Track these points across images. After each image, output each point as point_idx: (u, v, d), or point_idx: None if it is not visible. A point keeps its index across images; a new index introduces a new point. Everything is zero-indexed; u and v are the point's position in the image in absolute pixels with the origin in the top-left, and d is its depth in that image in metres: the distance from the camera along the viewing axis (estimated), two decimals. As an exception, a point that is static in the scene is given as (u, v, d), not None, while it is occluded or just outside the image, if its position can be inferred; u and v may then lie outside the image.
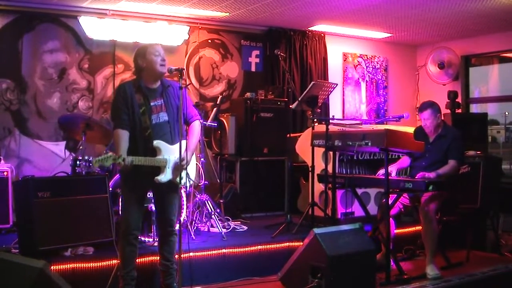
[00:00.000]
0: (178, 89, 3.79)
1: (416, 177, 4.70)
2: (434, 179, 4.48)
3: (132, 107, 3.74)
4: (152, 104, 3.79)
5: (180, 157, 3.59)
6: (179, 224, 3.86)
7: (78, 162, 5.04)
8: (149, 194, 4.16)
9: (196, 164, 4.22)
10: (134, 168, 3.70)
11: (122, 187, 4.06)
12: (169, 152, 3.75)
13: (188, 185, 3.96)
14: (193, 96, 6.84)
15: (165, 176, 3.75)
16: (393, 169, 4.88)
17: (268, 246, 4.84)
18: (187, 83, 6.38)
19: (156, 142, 3.73)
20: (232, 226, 5.39)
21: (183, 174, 3.78)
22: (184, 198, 4.84)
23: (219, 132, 6.23)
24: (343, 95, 8.08)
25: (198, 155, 5.19)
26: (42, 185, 4.20)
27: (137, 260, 3.90)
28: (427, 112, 4.85)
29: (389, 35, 7.83)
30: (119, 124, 3.72)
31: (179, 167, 3.68)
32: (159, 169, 3.75)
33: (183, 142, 3.82)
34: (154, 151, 3.74)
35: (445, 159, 4.80)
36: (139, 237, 4.01)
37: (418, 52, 8.71)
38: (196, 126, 4.01)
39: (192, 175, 4.00)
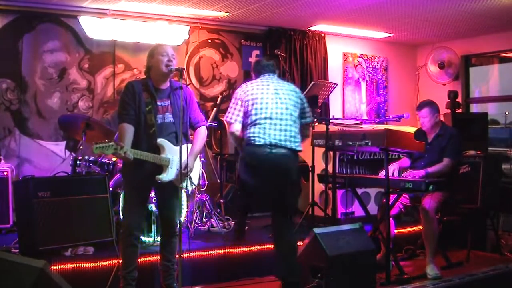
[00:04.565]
0: (186, 92, 3.83)
1: (403, 175, 4.71)
2: (426, 178, 4.48)
3: (139, 104, 3.74)
4: (159, 104, 3.79)
5: (181, 161, 3.55)
6: (179, 224, 3.85)
7: (78, 162, 5.05)
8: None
9: (200, 169, 4.22)
10: (136, 167, 3.70)
11: (124, 187, 4.05)
12: (173, 152, 3.74)
13: (190, 189, 3.95)
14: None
15: (167, 176, 3.74)
16: (395, 167, 4.89)
17: (268, 246, 4.83)
18: (187, 83, 6.38)
19: (160, 140, 3.73)
20: (232, 226, 5.39)
21: (186, 178, 3.79)
22: (185, 198, 4.84)
23: (219, 132, 6.22)
24: (343, 95, 8.08)
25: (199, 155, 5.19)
26: (42, 185, 4.20)
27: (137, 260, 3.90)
28: (424, 111, 4.86)
29: (389, 35, 7.83)
30: (125, 118, 3.71)
31: (184, 172, 3.68)
32: (161, 168, 3.75)
33: (187, 146, 3.82)
34: (158, 149, 3.74)
35: (442, 158, 4.80)
36: (140, 237, 4.01)
37: (418, 52, 8.71)
38: (202, 132, 3.99)
39: (195, 179, 4.00)
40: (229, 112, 4.11)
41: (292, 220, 4.12)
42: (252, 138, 3.95)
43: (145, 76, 3.91)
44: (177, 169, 3.71)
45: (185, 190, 3.98)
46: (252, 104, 4.01)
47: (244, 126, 4.04)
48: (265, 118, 3.97)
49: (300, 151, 4.06)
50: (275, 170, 3.93)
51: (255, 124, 3.98)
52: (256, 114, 3.98)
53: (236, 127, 4.04)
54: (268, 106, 3.99)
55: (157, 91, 3.81)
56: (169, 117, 3.81)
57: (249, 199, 4.69)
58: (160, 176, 3.72)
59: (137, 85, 3.81)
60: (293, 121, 4.04)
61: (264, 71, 4.22)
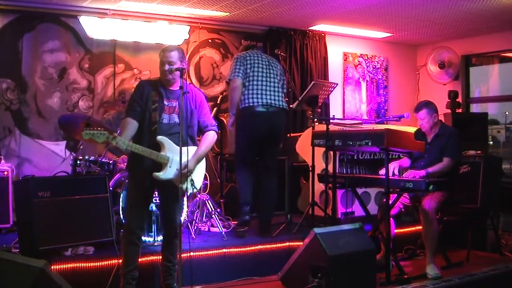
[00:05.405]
0: (197, 95, 3.91)
1: (404, 176, 4.71)
2: (427, 178, 4.48)
3: (146, 102, 3.77)
4: (166, 103, 3.81)
5: (181, 162, 3.54)
6: (179, 224, 3.85)
7: (78, 162, 5.04)
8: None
9: (205, 174, 4.17)
10: (137, 164, 3.73)
11: (128, 185, 4.08)
12: (174, 152, 3.72)
13: (190, 191, 3.86)
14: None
15: (164, 174, 3.71)
16: (395, 165, 4.88)
17: (268, 246, 4.84)
18: (188, 82, 6.37)
19: (160, 138, 3.72)
20: (232, 226, 5.39)
21: (188, 180, 3.76)
22: (185, 198, 4.83)
23: (220, 131, 6.19)
24: (344, 94, 8.08)
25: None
26: (42, 185, 4.19)
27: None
28: (422, 112, 4.87)
29: (389, 35, 7.83)
30: (130, 114, 3.77)
31: (182, 171, 3.65)
32: (161, 166, 3.74)
33: (191, 148, 3.79)
34: (158, 146, 3.73)
35: (442, 158, 4.80)
36: (141, 236, 4.01)
37: (419, 52, 8.71)
38: (209, 136, 3.98)
39: (198, 183, 3.92)
40: (231, 72, 4.92)
41: (274, 171, 5.11)
42: (251, 100, 4.86)
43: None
44: (177, 169, 3.71)
45: (185, 192, 3.95)
46: (250, 67, 4.90)
47: (244, 86, 4.88)
48: (262, 80, 4.90)
49: (286, 109, 5.13)
50: (269, 123, 4.91)
51: (253, 85, 4.87)
52: (253, 76, 4.88)
53: (239, 82, 4.87)
54: (264, 72, 4.94)
55: (166, 91, 3.84)
56: (174, 118, 3.82)
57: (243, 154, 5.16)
58: (157, 174, 3.70)
59: (147, 84, 3.89)
60: (280, 86, 5.05)
61: (253, 48, 5.21)
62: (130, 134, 3.70)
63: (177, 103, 3.82)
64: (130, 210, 3.91)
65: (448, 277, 4.61)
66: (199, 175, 3.96)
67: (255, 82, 4.89)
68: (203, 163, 4.00)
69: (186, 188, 3.79)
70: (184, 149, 3.57)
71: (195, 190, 3.91)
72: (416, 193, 4.74)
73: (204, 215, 5.31)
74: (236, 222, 5.23)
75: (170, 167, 3.73)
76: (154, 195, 4.22)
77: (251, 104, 4.88)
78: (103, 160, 5.11)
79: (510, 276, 4.93)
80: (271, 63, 5.08)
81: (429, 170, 4.66)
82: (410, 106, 8.18)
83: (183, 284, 3.71)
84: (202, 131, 4.00)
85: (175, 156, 3.71)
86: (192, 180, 3.80)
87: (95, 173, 4.89)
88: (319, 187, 5.42)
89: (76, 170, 5.05)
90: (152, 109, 3.76)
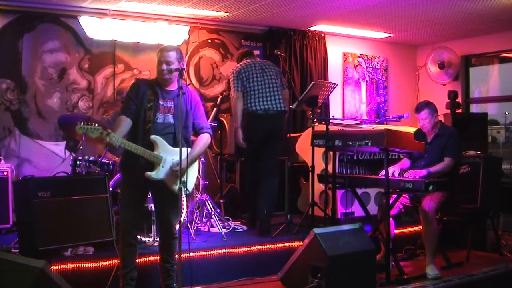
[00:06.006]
0: (193, 96, 3.89)
1: (405, 175, 4.71)
2: (428, 178, 4.48)
3: (141, 100, 3.76)
4: (161, 103, 3.79)
5: (180, 163, 3.52)
6: (179, 224, 3.84)
7: (78, 162, 5.04)
8: (149, 194, 4.14)
9: (198, 176, 4.12)
10: (131, 162, 3.72)
11: (122, 184, 4.05)
12: (167, 152, 3.71)
13: (183, 194, 3.74)
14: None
15: (156, 174, 3.68)
16: (395, 169, 4.88)
17: (268, 246, 4.84)
18: (187, 83, 6.37)
19: (154, 137, 3.70)
20: (232, 226, 5.39)
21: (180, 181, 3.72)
22: (184, 198, 4.83)
23: (219, 132, 6.21)
24: (343, 95, 8.08)
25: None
26: (42, 185, 4.19)
27: (137, 260, 3.89)
28: (424, 112, 4.86)
29: (389, 35, 7.83)
30: (125, 112, 3.76)
31: (175, 172, 3.63)
32: (153, 166, 3.73)
33: (184, 149, 3.77)
34: (151, 146, 3.71)
35: (443, 158, 4.80)
36: (138, 236, 4.00)
37: (418, 52, 8.71)
38: (204, 138, 3.95)
39: (190, 185, 3.87)
40: (232, 88, 5.28)
41: (274, 171, 5.31)
42: (251, 106, 5.22)
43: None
44: (169, 169, 3.70)
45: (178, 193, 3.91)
46: (246, 79, 5.25)
47: (244, 97, 5.25)
48: (258, 88, 5.23)
49: (285, 111, 5.36)
50: (269, 124, 5.22)
51: (251, 95, 5.22)
52: (249, 87, 5.24)
53: (239, 95, 5.24)
54: (259, 79, 5.27)
55: (163, 91, 3.83)
56: (169, 118, 3.81)
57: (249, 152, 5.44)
58: (149, 173, 3.67)
59: (143, 83, 3.89)
60: (276, 89, 5.31)
61: (247, 56, 5.55)
62: (123, 132, 3.69)
63: (172, 103, 3.81)
64: (124, 210, 3.88)
65: (448, 277, 4.61)
66: (191, 177, 3.93)
67: (252, 92, 5.24)
68: (196, 165, 3.98)
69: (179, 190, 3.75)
70: (179, 150, 3.54)
71: (187, 192, 3.81)
72: (416, 193, 4.74)
73: (204, 216, 5.31)
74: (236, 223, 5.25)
75: (162, 167, 3.70)
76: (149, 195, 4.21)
77: (249, 110, 5.22)
78: (103, 160, 5.11)
79: (510, 276, 4.93)
80: (264, 69, 5.36)
81: (431, 169, 4.65)
82: (410, 106, 8.19)
83: (183, 284, 3.71)
84: (197, 132, 3.97)
85: (168, 156, 3.70)
86: (184, 181, 3.67)
87: (95, 174, 4.89)
88: (319, 187, 5.42)
89: (76, 171, 5.05)
90: (147, 108, 3.75)
